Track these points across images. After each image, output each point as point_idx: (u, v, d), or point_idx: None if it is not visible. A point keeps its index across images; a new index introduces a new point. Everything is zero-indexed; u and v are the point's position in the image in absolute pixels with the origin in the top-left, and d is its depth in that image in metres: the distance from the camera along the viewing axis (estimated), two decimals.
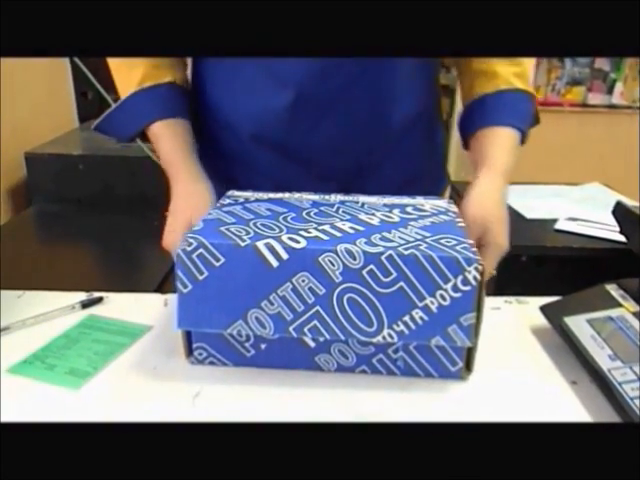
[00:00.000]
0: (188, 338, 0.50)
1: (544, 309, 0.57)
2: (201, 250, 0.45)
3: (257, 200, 0.56)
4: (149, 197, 1.19)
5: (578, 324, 0.53)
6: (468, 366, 0.49)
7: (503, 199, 0.60)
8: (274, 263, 0.44)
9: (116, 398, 0.47)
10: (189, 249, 0.45)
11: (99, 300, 0.61)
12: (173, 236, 0.57)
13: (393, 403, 0.47)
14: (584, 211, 1.26)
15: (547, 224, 1.18)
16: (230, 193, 0.58)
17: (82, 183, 1.21)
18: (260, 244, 0.45)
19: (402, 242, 0.46)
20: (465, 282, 0.44)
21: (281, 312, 0.45)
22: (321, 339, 0.47)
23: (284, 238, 0.45)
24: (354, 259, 0.44)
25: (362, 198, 0.58)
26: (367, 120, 0.63)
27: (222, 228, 0.48)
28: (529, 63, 0.67)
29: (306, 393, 0.48)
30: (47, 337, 0.55)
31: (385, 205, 0.56)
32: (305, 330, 0.46)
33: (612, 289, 0.57)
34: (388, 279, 0.44)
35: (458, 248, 0.45)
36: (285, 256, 0.44)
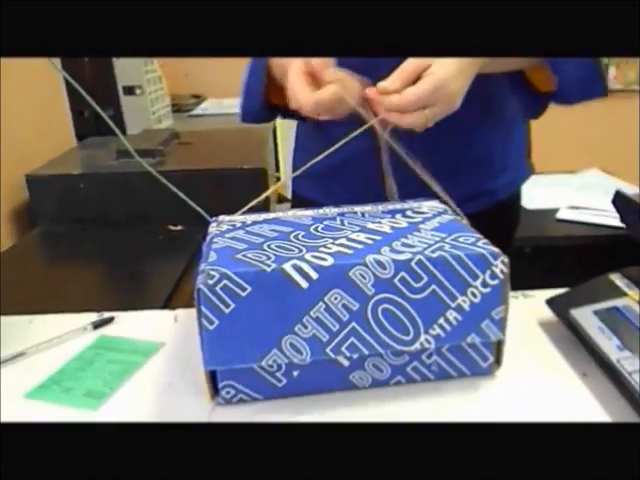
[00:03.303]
0: (213, 378, 0.47)
1: (550, 302, 0.58)
2: (225, 281, 0.42)
3: (255, 222, 0.54)
4: (151, 213, 1.20)
5: (585, 316, 0.53)
6: (497, 360, 0.50)
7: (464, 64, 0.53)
8: (304, 284, 0.43)
9: (133, 417, 0.47)
10: (211, 282, 0.42)
11: (110, 320, 0.62)
12: (293, 87, 0.54)
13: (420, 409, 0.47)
14: (585, 199, 1.26)
15: (548, 214, 1.19)
16: (221, 219, 0.56)
17: (84, 202, 1.22)
18: (287, 266, 0.43)
19: (425, 246, 0.46)
20: (493, 276, 0.45)
21: (316, 334, 0.44)
22: (355, 356, 0.46)
23: (308, 257, 0.44)
24: (384, 269, 0.44)
25: (357, 208, 0.57)
26: None
27: (238, 256, 0.45)
28: None
29: (335, 414, 0.47)
30: (61, 360, 0.55)
31: (384, 212, 0.55)
32: (342, 349, 0.45)
33: (616, 278, 0.58)
34: (420, 284, 0.44)
35: (479, 244, 0.46)
36: (315, 275, 0.43)
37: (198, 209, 0.56)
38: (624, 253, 0.79)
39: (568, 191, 1.33)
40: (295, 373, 0.47)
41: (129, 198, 1.21)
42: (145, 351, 0.56)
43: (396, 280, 0.44)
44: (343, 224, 0.53)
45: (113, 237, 1.16)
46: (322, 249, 0.46)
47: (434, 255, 0.44)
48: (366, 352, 0.45)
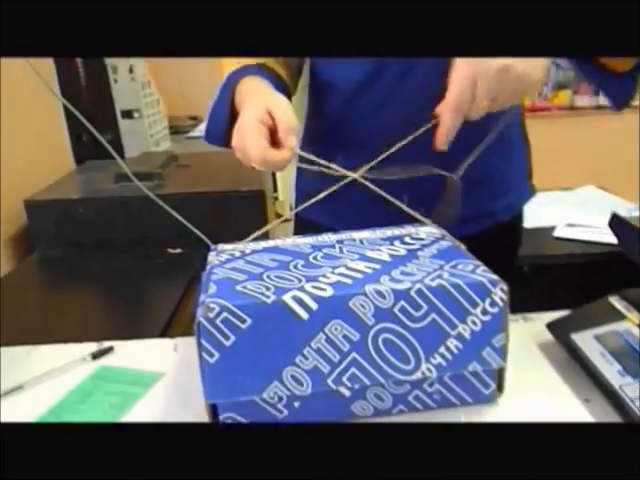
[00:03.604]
0: (214, 410, 0.46)
1: (551, 326, 0.58)
2: (225, 314, 0.42)
3: (254, 251, 0.54)
4: (150, 236, 1.20)
5: (586, 340, 0.53)
6: (499, 387, 0.50)
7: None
8: (304, 315, 0.43)
9: None
10: (212, 315, 0.42)
11: (109, 350, 0.61)
12: (245, 130, 0.52)
13: None
14: (582, 216, 1.27)
15: (546, 232, 1.19)
16: (220, 247, 0.56)
17: (83, 226, 1.22)
18: (287, 298, 0.43)
19: (424, 274, 0.46)
20: (493, 304, 0.45)
21: (317, 365, 0.44)
22: (357, 386, 0.46)
23: (308, 287, 0.44)
24: (384, 298, 0.44)
25: (356, 235, 0.57)
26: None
27: (238, 287, 0.45)
28: None
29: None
30: (61, 392, 0.55)
31: (383, 239, 0.56)
32: (344, 380, 0.45)
33: (615, 301, 0.58)
34: (420, 313, 0.45)
35: (478, 271, 0.47)
36: (315, 306, 0.43)
37: (197, 232, 0.56)
38: (623, 271, 0.79)
39: (565, 208, 1.34)
40: (296, 404, 0.47)
41: (128, 222, 1.22)
42: (145, 382, 0.56)
43: (396, 309, 0.44)
44: (342, 252, 0.53)
45: (112, 261, 1.16)
46: (322, 279, 0.46)
47: (433, 284, 0.45)
48: (367, 382, 0.45)
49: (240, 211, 1.20)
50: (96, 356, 0.60)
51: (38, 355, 0.62)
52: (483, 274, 0.46)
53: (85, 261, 1.17)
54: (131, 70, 1.60)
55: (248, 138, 0.52)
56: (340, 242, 0.56)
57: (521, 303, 0.66)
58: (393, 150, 0.56)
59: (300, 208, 0.60)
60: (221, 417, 0.47)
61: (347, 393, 0.47)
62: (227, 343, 0.43)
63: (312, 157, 0.55)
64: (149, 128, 1.68)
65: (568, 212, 1.31)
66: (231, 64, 0.69)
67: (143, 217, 1.18)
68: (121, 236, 1.22)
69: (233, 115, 0.61)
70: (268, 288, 0.45)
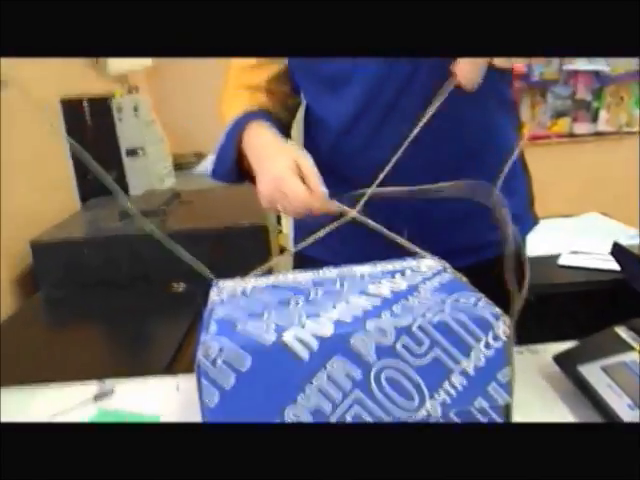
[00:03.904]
0: None
1: (557, 359, 0.57)
2: (225, 355, 0.42)
3: (255, 288, 0.54)
4: (154, 272, 1.20)
5: (593, 372, 0.52)
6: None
7: None
8: (305, 355, 0.43)
9: None
10: (213, 356, 0.42)
11: (110, 392, 0.61)
12: (286, 181, 0.59)
13: None
14: (585, 243, 1.26)
15: (550, 260, 1.19)
16: (221, 284, 0.56)
17: (87, 266, 1.23)
18: (287, 338, 0.43)
19: (425, 309, 0.46)
20: (496, 338, 0.45)
21: (319, 404, 0.43)
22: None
23: (309, 324, 0.44)
24: (385, 335, 0.44)
25: (357, 269, 0.57)
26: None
27: (239, 327, 0.45)
28: None
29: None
30: None
31: (384, 272, 0.56)
32: (346, 418, 0.44)
33: (622, 331, 0.57)
34: (422, 349, 0.44)
35: (480, 305, 0.46)
36: (315, 345, 0.43)
37: (201, 268, 0.56)
38: (629, 299, 0.78)
39: (568, 235, 1.34)
40: None
41: (132, 259, 1.22)
42: None
43: (398, 346, 0.44)
44: (343, 287, 0.53)
45: (116, 299, 1.16)
46: (322, 314, 0.46)
47: (435, 319, 0.44)
48: (371, 420, 0.45)
49: (243, 246, 1.21)
50: (97, 398, 0.60)
51: (41, 396, 0.62)
52: (485, 307, 0.46)
53: (89, 300, 1.17)
54: (135, 109, 1.63)
55: (292, 187, 0.59)
56: (341, 277, 0.55)
57: (527, 332, 0.66)
58: (386, 171, 0.58)
59: (299, 247, 0.61)
60: None
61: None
62: (227, 385, 0.42)
63: (347, 209, 0.59)
64: (153, 166, 1.70)
65: (571, 239, 1.31)
66: (231, 106, 0.71)
67: (147, 254, 1.18)
68: (125, 274, 1.22)
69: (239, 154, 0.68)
70: (269, 327, 0.45)
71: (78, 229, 1.33)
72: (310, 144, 0.77)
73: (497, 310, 0.46)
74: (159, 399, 0.59)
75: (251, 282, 0.56)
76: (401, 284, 0.52)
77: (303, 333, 0.43)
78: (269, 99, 0.73)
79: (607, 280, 1.07)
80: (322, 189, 0.60)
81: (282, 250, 1.84)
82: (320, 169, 0.68)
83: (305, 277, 0.56)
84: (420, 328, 0.44)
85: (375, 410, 0.44)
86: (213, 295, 0.54)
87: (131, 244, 1.21)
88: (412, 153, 0.59)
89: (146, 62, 2.25)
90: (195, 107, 2.16)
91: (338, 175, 0.71)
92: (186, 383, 0.62)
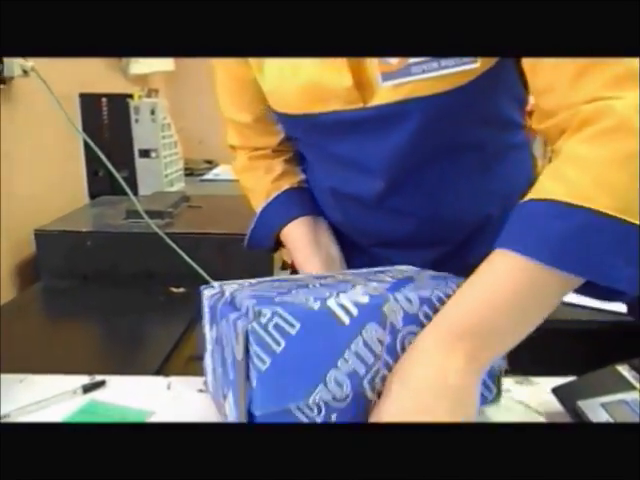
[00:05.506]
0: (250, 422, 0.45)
1: (556, 391, 0.56)
2: (276, 319, 0.43)
3: (260, 282, 0.53)
4: (155, 273, 1.20)
5: (593, 408, 0.51)
6: (499, 391, 0.54)
7: (450, 382, 0.43)
8: (347, 320, 0.45)
9: None
10: (264, 321, 0.42)
11: (101, 384, 0.60)
12: None
13: None
14: None
15: None
16: (216, 284, 0.54)
17: (89, 259, 1.23)
18: (331, 304, 0.45)
19: (433, 286, 0.50)
20: None
21: (355, 368, 0.46)
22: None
23: (347, 295, 0.46)
24: (411, 303, 0.47)
25: (348, 272, 0.60)
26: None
27: (277, 299, 0.45)
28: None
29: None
30: None
31: (376, 272, 0.57)
32: (376, 381, 0.47)
33: (624, 370, 0.56)
34: None
35: None
36: (355, 312, 0.45)
37: (202, 272, 0.56)
38: (631, 340, 0.77)
39: None
40: (333, 416, 0.46)
41: (134, 257, 1.22)
42: (133, 419, 0.54)
43: (420, 314, 0.48)
44: (347, 280, 0.53)
45: (114, 295, 1.16)
46: (350, 290, 0.48)
47: (447, 291, 0.49)
48: None
49: (246, 254, 1.20)
50: (87, 389, 0.59)
51: (30, 384, 0.61)
52: None
53: (87, 293, 1.17)
54: (152, 112, 1.65)
55: None
56: (337, 275, 0.56)
57: (528, 367, 0.65)
58: None
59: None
60: None
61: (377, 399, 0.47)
62: (278, 349, 0.42)
63: None
64: (164, 168, 1.71)
65: None
66: (248, 181, 0.81)
67: (149, 254, 1.18)
68: (126, 271, 1.22)
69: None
70: (307, 298, 0.45)
71: (83, 222, 1.33)
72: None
73: None
74: (149, 396, 0.58)
75: (250, 280, 0.55)
76: (397, 275, 0.55)
77: (344, 300, 0.45)
78: (283, 166, 0.77)
79: (611, 321, 1.06)
80: None
81: (284, 264, 1.83)
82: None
83: (300, 276, 0.59)
84: (438, 298, 0.48)
85: None
86: (210, 292, 0.53)
87: (134, 242, 1.21)
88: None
89: (167, 66, 2.28)
90: (210, 115, 2.19)
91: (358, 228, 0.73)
92: (177, 383, 0.61)
